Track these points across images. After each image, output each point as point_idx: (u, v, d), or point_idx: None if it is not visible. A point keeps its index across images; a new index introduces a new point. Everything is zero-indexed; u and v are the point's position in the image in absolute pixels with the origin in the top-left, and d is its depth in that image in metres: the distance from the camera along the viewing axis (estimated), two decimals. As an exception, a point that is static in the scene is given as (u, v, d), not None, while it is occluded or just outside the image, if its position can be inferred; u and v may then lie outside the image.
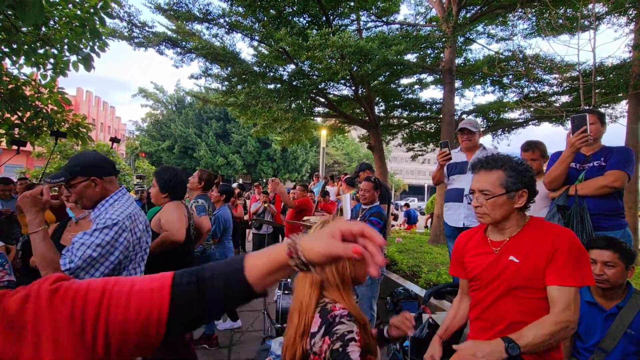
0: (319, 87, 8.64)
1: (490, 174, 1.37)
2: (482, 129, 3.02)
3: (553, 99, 8.74)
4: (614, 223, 2.25)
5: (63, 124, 4.69)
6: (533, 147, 2.67)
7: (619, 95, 6.67)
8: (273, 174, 28.90)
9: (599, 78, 6.82)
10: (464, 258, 1.55)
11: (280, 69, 8.83)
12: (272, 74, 8.61)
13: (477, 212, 1.42)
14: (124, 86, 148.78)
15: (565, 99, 8.69)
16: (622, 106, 8.13)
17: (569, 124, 2.33)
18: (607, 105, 8.11)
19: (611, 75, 7.31)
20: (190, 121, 31.18)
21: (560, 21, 5.97)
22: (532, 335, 1.22)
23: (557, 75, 7.52)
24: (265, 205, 6.28)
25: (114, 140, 6.08)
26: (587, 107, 2.66)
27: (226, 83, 8.93)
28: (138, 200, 5.43)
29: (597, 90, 5.22)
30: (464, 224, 3.01)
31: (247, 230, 7.90)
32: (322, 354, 1.05)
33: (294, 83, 8.57)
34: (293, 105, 9.03)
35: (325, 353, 1.03)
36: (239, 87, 8.84)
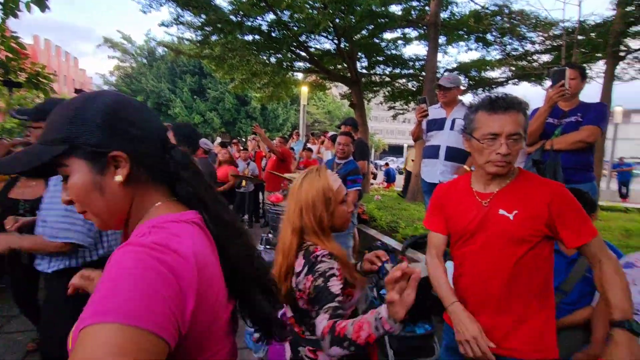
0: (300, 39, 8.23)
1: (519, 115, 1.20)
2: (463, 86, 2.96)
3: (535, 57, 8.73)
4: (584, 177, 2.36)
5: (20, 73, 4.30)
6: None
7: (598, 55, 6.72)
8: (253, 133, 28.32)
9: (580, 37, 6.81)
10: (445, 211, 1.40)
11: (259, 18, 8.27)
12: (249, 23, 8.07)
13: (503, 160, 1.20)
14: (87, 35, 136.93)
15: (546, 58, 8.70)
16: (599, 66, 8.25)
17: (547, 84, 2.33)
18: (586, 64, 8.20)
19: (592, 35, 7.32)
20: (163, 75, 29.45)
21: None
22: (625, 297, 1.11)
23: (540, 33, 7.44)
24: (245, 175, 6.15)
25: (80, 92, 5.67)
26: (568, 64, 2.66)
27: (200, 32, 8.32)
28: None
29: (578, 50, 5.24)
30: (439, 180, 3.08)
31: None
32: (306, 291, 1.14)
33: (273, 34, 8.11)
34: (272, 59, 8.63)
35: (309, 289, 1.13)
36: (214, 37, 8.28)
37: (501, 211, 1.23)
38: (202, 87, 29.67)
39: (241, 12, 7.97)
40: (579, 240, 1.17)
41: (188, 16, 8.12)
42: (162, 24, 8.34)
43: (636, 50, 7.89)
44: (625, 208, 7.71)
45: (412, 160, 7.42)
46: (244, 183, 5.57)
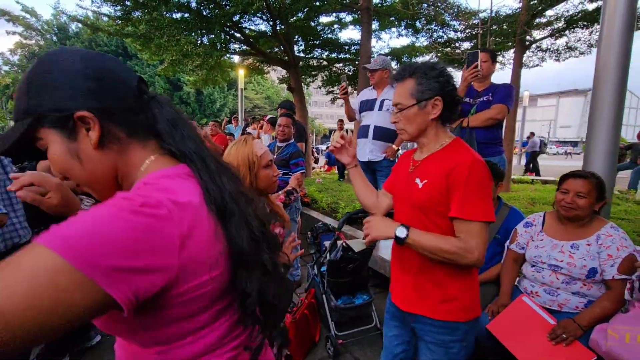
0: (233, 19, 7.86)
1: (403, 85, 1.26)
2: (393, 69, 3.11)
3: (457, 44, 9.43)
4: (494, 150, 2.66)
5: None
6: None
7: (509, 43, 7.47)
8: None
9: (494, 27, 7.50)
10: (395, 175, 1.49)
11: (187, -6, 7.70)
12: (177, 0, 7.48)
13: (397, 128, 1.33)
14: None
15: (467, 45, 9.45)
16: (510, 54, 9.19)
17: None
18: (499, 52, 9.08)
19: (504, 25, 8.10)
20: (79, 55, 26.20)
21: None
22: (429, 236, 1.19)
23: (462, 22, 8.04)
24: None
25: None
26: (481, 49, 2.93)
27: (120, 6, 7.50)
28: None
29: (492, 38, 5.79)
30: (368, 159, 3.26)
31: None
32: None
33: (204, 13, 7.62)
34: (204, 40, 8.13)
35: None
36: (137, 13, 7.53)
37: (417, 180, 1.28)
38: (127, 69, 27.04)
39: (166, -13, 7.33)
40: (455, 212, 1.16)
41: (104, -12, 7.27)
42: (73, -4, 7.35)
43: (539, 40, 8.93)
44: (532, 180, 8.86)
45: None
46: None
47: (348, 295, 2.64)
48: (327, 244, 2.81)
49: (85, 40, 25.82)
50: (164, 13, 7.26)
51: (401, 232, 1.19)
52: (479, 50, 2.43)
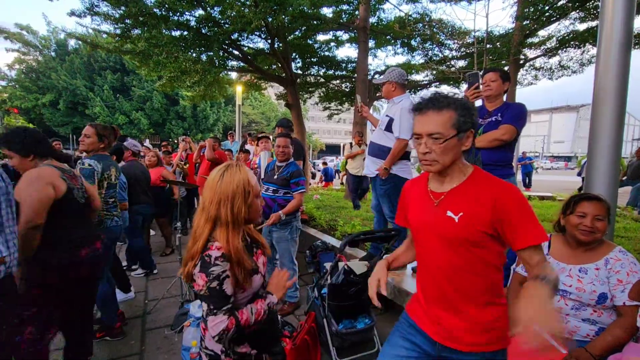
0: (232, 37, 7.96)
1: (441, 114, 1.18)
2: (402, 79, 3.04)
3: (452, 62, 9.60)
4: (502, 172, 2.48)
5: None
6: None
7: (503, 61, 7.63)
8: (184, 134, 26.70)
9: (488, 45, 7.65)
10: (407, 207, 1.45)
11: (187, 13, 7.80)
12: (176, 18, 7.57)
13: (425, 159, 1.23)
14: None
15: (462, 63, 9.63)
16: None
17: (464, 86, 2.53)
18: (489, 70, 9.25)
19: (498, 44, 8.28)
20: (78, 71, 26.36)
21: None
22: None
23: (456, 41, 8.21)
24: (180, 167, 5.85)
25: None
26: (489, 68, 2.88)
27: (120, 25, 7.57)
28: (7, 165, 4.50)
29: (487, 57, 5.90)
30: (364, 174, 3.35)
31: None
32: (199, 286, 1.21)
33: (202, 31, 7.72)
34: (203, 57, 8.21)
35: (202, 287, 1.20)
36: (136, 31, 7.60)
37: (449, 213, 1.23)
38: (125, 84, 27.20)
39: (166, 5, 7.43)
40: (523, 242, 1.14)
41: (104, 6, 7.34)
42: (73, 13, 7.40)
43: (532, 59, 9.13)
44: (528, 196, 8.88)
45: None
46: (175, 192, 5.15)
47: (349, 319, 2.56)
48: (327, 265, 2.74)
49: (84, 56, 26.04)
50: (164, 31, 7.34)
51: (547, 280, 1.05)
52: (478, 72, 2.43)
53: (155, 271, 4.39)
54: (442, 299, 1.30)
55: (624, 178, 7.94)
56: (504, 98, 2.63)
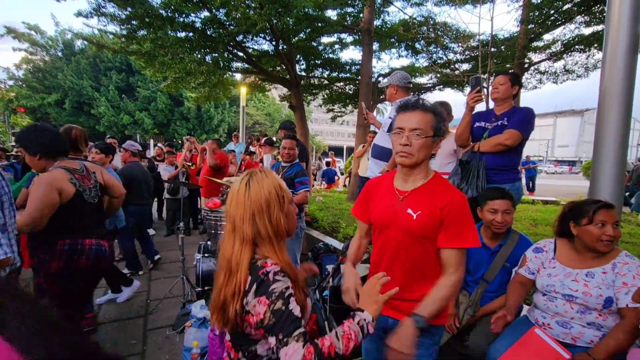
0: (237, 39, 8.00)
1: (426, 115, 1.36)
2: (405, 82, 3.02)
3: (457, 66, 9.58)
4: (505, 177, 2.43)
5: None
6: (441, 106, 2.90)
7: (508, 65, 7.60)
8: (188, 134, 26.82)
9: (493, 49, 7.64)
10: (369, 202, 1.57)
11: (192, 14, 7.85)
12: (182, 19, 7.62)
13: (403, 151, 1.37)
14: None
15: (466, 66, 9.60)
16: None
17: (467, 90, 2.52)
18: (499, 73, 9.22)
19: (502, 48, 8.26)
20: (84, 71, 26.59)
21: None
22: (432, 302, 1.32)
23: (460, 44, 8.19)
24: (185, 168, 5.86)
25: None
26: (499, 71, 2.85)
27: (126, 26, 7.63)
28: (13, 163, 4.55)
29: (492, 60, 5.89)
30: (367, 176, 3.31)
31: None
32: (259, 315, 1.00)
33: (208, 32, 7.76)
34: (208, 58, 8.24)
35: (264, 314, 0.99)
36: (142, 32, 7.66)
37: (409, 210, 1.40)
38: (130, 85, 27.39)
39: (172, 7, 7.48)
40: (449, 243, 1.35)
41: (111, 7, 7.40)
42: (80, 14, 7.47)
43: (536, 63, 9.10)
44: (533, 200, 8.81)
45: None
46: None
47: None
48: (329, 267, 2.74)
49: (90, 56, 26.25)
50: (169, 32, 7.38)
51: (420, 322, 1.28)
52: (481, 75, 2.41)
53: (140, 272, 4.34)
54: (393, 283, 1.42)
55: (629, 183, 7.87)
56: (513, 102, 2.57)
